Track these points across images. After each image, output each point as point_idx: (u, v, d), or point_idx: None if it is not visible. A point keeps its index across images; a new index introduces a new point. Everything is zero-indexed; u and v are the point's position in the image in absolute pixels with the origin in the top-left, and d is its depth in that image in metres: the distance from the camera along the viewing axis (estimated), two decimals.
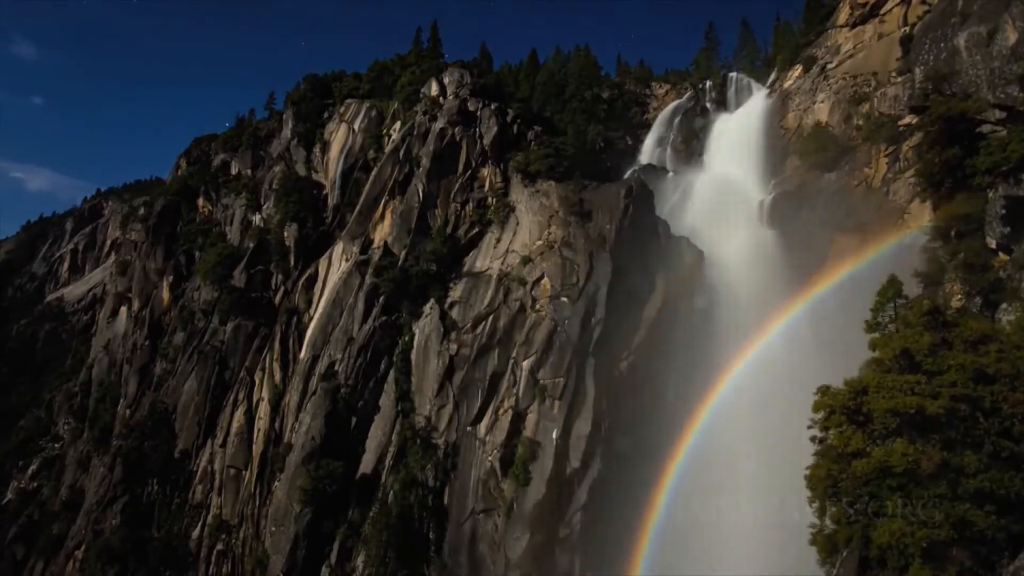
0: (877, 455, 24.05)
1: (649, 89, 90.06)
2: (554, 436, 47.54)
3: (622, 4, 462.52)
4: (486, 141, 66.32)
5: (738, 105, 74.08)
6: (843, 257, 49.18)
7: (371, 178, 69.16)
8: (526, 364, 51.18)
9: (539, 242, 56.71)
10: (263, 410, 61.49)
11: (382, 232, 65.37)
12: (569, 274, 52.92)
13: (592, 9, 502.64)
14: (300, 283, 67.99)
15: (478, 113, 68.48)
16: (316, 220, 72.45)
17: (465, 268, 60.95)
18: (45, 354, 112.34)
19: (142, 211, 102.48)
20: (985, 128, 38.13)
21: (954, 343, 26.76)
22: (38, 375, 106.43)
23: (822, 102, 59.44)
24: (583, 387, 48.77)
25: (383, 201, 66.55)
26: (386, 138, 73.91)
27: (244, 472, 59.60)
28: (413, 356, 57.40)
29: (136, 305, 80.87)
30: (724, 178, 62.56)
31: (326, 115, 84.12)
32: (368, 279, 61.14)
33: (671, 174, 67.98)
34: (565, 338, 50.37)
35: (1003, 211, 34.42)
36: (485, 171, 65.30)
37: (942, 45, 43.75)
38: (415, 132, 68.94)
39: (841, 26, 61.14)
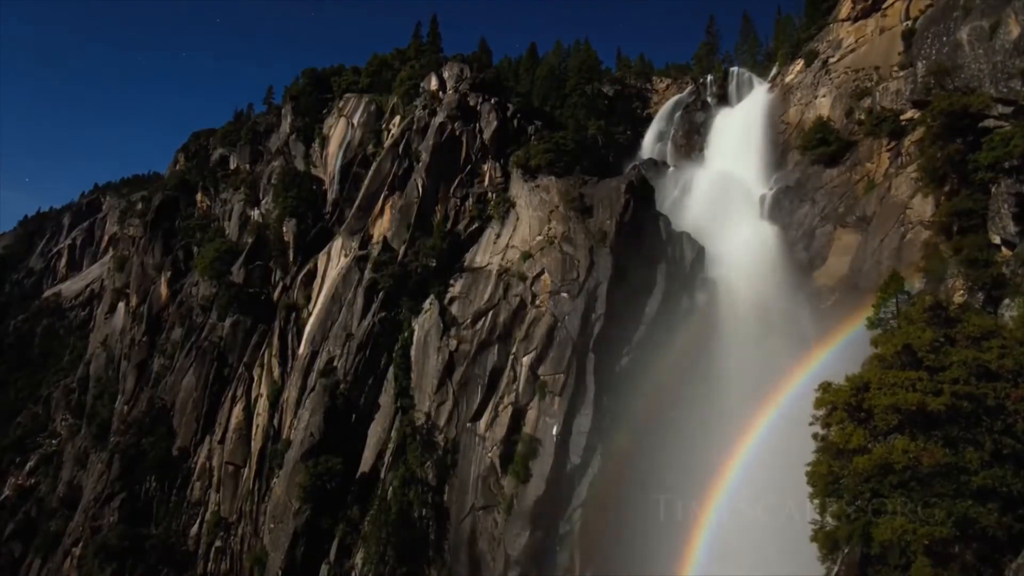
0: (878, 452, 23.92)
1: (650, 83, 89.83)
2: (554, 432, 47.31)
3: None
4: (486, 136, 65.99)
5: (739, 100, 73.85)
6: (844, 253, 49.07)
7: (370, 173, 68.83)
8: (526, 360, 50.94)
9: (539, 237, 56.43)
10: (262, 406, 61.30)
11: (381, 227, 65.09)
12: (569, 269, 52.66)
13: (592, 3, 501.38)
14: (299, 279, 67.73)
15: (478, 108, 68.11)
16: (315, 215, 72.12)
17: (465, 263, 60.66)
18: (42, 350, 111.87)
19: (140, 206, 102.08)
20: (988, 123, 37.92)
21: (956, 339, 26.61)
22: (35, 371, 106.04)
23: (823, 96, 59.21)
24: (583, 383, 48.53)
25: (382, 196, 66.23)
26: (385, 133, 73.54)
27: (243, 469, 59.42)
28: (412, 352, 57.15)
29: (134, 301, 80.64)
30: (725, 173, 62.29)
31: (325, 110, 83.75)
32: (367, 275, 60.89)
33: (672, 169, 67.67)
34: (565, 334, 50.13)
35: (1014, 208, 34.23)
36: (485, 166, 64.97)
37: (944, 39, 43.55)
38: (414, 127, 68.58)
39: (843, 20, 60.84)
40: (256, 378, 63.47)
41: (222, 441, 61.50)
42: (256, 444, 59.68)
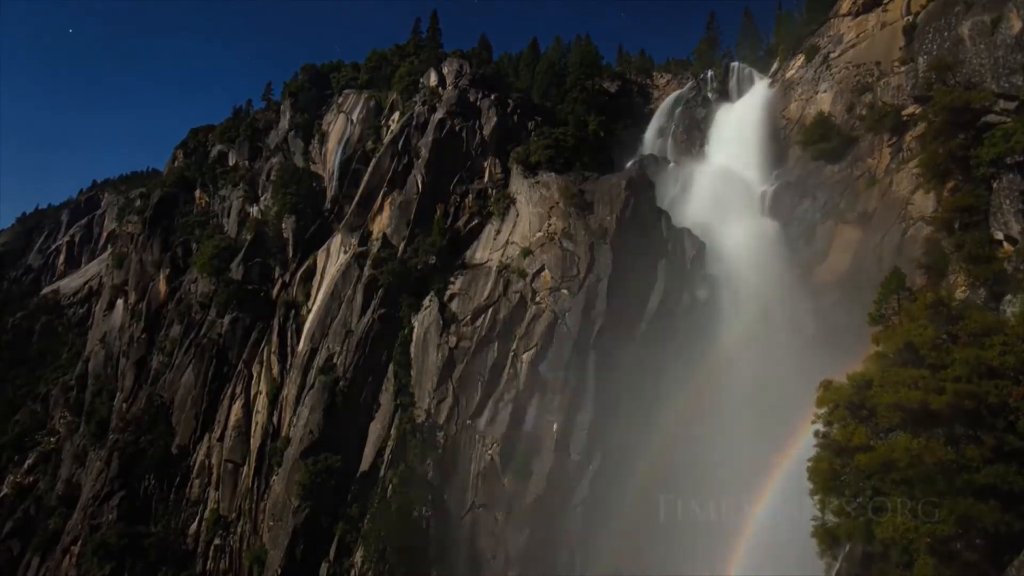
0: (881, 450, 23.79)
1: (650, 79, 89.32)
2: (554, 429, 47.23)
3: None
4: (486, 132, 65.76)
5: (740, 95, 73.47)
6: (845, 249, 48.89)
7: (370, 169, 68.64)
8: (526, 357, 50.84)
9: (539, 234, 56.29)
10: (261, 403, 61.19)
11: (381, 224, 64.90)
12: (569, 266, 52.53)
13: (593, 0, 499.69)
14: (298, 275, 67.61)
15: (478, 103, 67.89)
16: (314, 212, 71.96)
17: (465, 260, 60.54)
18: (41, 347, 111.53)
19: (139, 203, 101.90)
20: (990, 118, 37.75)
21: (958, 336, 26.44)
22: (34, 368, 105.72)
23: (825, 92, 58.94)
24: (584, 380, 48.43)
25: (382, 192, 66.06)
26: (385, 129, 73.32)
27: (242, 467, 59.32)
28: (412, 349, 57.02)
29: (133, 298, 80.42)
30: (726, 169, 62.04)
31: (324, 106, 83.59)
32: (367, 271, 60.74)
33: (672, 165, 67.42)
34: (565, 330, 50.01)
35: (1017, 204, 34.06)
36: (485, 162, 64.79)
37: (946, 34, 43.36)
38: (414, 123, 68.36)
39: (844, 15, 60.57)
40: (255, 375, 63.33)
41: (221, 439, 61.38)
42: (255, 442, 59.56)
